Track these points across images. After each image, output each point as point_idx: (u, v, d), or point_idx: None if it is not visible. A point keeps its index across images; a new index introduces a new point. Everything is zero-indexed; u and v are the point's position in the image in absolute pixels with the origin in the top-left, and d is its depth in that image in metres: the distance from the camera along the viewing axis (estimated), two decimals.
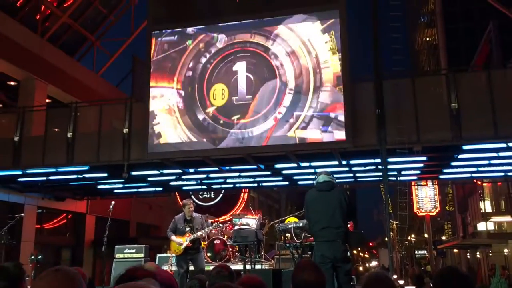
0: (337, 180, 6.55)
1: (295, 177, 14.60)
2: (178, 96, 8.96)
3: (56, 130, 13.50)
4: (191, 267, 9.04)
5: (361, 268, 70.72)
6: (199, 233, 8.58)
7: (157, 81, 8.97)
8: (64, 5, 19.73)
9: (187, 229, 8.64)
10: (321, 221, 6.02)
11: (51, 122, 13.36)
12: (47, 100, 17.58)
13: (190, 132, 8.76)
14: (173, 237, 8.71)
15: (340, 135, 9.68)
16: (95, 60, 21.88)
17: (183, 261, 8.70)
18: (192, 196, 18.96)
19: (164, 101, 8.89)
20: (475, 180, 21.93)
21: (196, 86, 9.05)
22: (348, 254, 6.12)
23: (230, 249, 12.19)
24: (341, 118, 9.64)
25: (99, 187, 15.70)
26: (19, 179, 14.14)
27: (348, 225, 6.48)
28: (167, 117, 8.66)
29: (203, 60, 9.34)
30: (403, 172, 13.97)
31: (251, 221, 13.41)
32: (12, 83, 17.28)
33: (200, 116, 8.90)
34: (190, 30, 9.03)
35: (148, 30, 12.23)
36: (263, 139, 9.14)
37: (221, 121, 9.00)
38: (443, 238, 45.79)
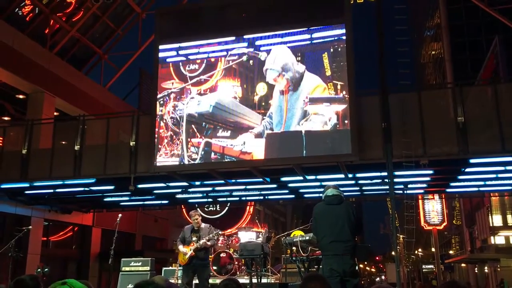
0: (344, 194, 6.54)
1: (301, 190, 14.59)
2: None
3: (64, 142, 13.57)
4: (195, 281, 9.00)
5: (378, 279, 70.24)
6: (201, 241, 8.56)
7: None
8: (72, 19, 20.00)
9: (193, 239, 8.67)
10: (330, 235, 5.98)
11: (58, 135, 13.42)
12: (55, 113, 17.72)
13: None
14: (180, 247, 8.78)
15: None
16: (103, 74, 22.10)
17: (186, 272, 8.70)
18: (198, 209, 18.97)
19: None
20: (487, 194, 21.81)
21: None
22: (356, 268, 6.09)
23: (236, 263, 12.16)
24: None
25: (106, 199, 15.74)
26: (26, 192, 14.21)
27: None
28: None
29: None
30: (409, 186, 13.91)
31: (253, 235, 13.46)
32: (21, 96, 17.46)
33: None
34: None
35: (155, 44, 12.40)
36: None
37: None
38: (451, 252, 45.39)
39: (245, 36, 11.75)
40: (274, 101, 11.42)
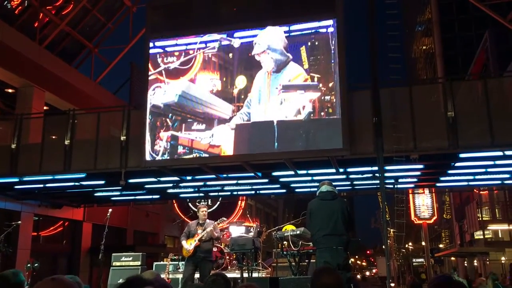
0: (336, 189, 6.66)
1: (293, 185, 14.61)
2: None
3: (54, 137, 13.46)
4: (197, 275, 9.07)
5: (358, 276, 70.57)
6: (208, 229, 8.79)
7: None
8: (62, 12, 19.80)
9: (199, 231, 8.92)
10: (324, 229, 6.11)
11: (48, 129, 13.32)
12: (44, 107, 17.56)
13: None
14: (183, 242, 9.00)
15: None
16: (93, 68, 21.90)
17: (188, 265, 8.86)
18: (190, 204, 18.94)
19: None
20: (475, 189, 21.95)
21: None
22: (350, 262, 6.18)
23: (227, 257, 12.16)
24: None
25: (96, 194, 15.66)
26: (16, 187, 14.09)
27: None
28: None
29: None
30: (400, 180, 13.98)
31: (244, 229, 13.48)
32: (10, 90, 17.28)
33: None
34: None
35: (146, 38, 12.32)
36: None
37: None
38: (441, 246, 45.81)
39: (231, 30, 11.57)
40: (254, 90, 11.15)
